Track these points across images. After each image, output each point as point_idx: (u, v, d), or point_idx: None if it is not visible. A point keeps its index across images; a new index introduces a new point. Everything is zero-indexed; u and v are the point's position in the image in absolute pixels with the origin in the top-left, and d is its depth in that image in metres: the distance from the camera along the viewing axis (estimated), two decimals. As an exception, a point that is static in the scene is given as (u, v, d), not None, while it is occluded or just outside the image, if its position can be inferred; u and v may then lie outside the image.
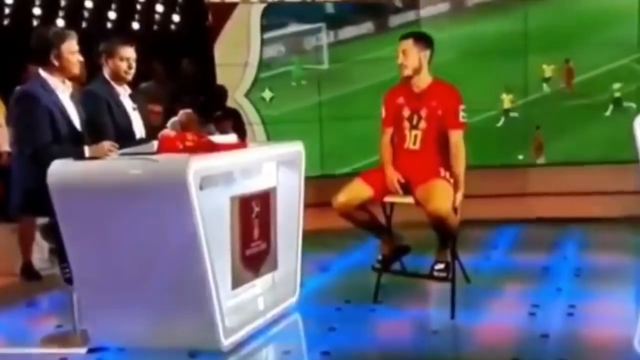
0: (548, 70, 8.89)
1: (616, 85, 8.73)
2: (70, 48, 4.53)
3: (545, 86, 8.95)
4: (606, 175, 8.18)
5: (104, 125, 4.78)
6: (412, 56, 4.94)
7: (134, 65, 4.97)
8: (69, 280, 4.35)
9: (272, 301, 4.89)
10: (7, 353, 4.43)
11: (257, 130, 9.02)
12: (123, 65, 4.91)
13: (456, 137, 4.91)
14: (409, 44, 4.97)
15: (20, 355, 4.41)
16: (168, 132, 4.84)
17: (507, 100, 8.98)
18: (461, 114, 4.93)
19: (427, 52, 4.98)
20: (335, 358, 4.16)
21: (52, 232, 4.36)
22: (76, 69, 4.58)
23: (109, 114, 4.84)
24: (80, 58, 4.59)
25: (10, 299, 5.64)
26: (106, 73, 4.95)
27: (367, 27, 9.22)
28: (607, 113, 8.77)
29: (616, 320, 4.60)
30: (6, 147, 6.77)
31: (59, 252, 4.36)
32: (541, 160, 8.90)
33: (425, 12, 9.08)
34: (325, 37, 9.23)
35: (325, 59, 9.26)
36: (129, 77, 4.98)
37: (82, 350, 4.30)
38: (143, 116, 5.12)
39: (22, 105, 4.46)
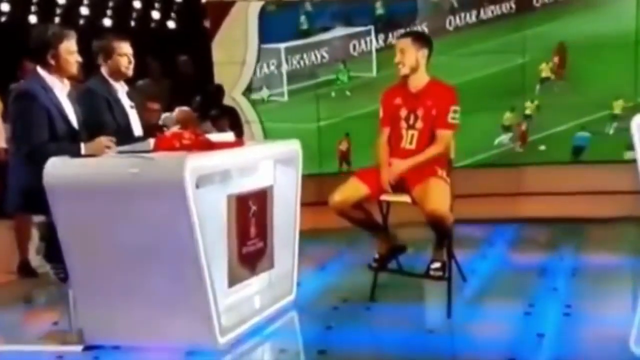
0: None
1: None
2: (69, 48, 4.51)
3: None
4: (603, 174, 8.17)
5: (104, 122, 4.77)
6: (409, 55, 4.95)
7: (132, 60, 4.98)
8: (63, 280, 4.34)
9: (268, 300, 4.89)
10: (3, 350, 4.42)
11: (254, 128, 8.99)
12: (124, 61, 4.92)
13: (442, 135, 4.90)
14: (406, 42, 4.98)
15: (17, 352, 4.40)
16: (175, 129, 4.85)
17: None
18: (451, 114, 4.92)
19: (425, 51, 4.98)
20: (332, 357, 4.16)
21: (48, 230, 4.36)
22: (74, 69, 4.56)
23: (109, 111, 4.84)
24: (79, 59, 4.57)
25: (6, 296, 5.64)
26: (104, 71, 4.94)
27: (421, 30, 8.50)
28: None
29: (612, 320, 4.60)
30: (2, 144, 6.77)
31: (53, 251, 4.35)
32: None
33: (486, 13, 8.63)
34: (374, 42, 8.68)
35: (374, 66, 8.73)
36: (130, 72, 4.99)
37: (78, 348, 4.30)
38: (140, 114, 5.12)
39: (20, 103, 4.45)
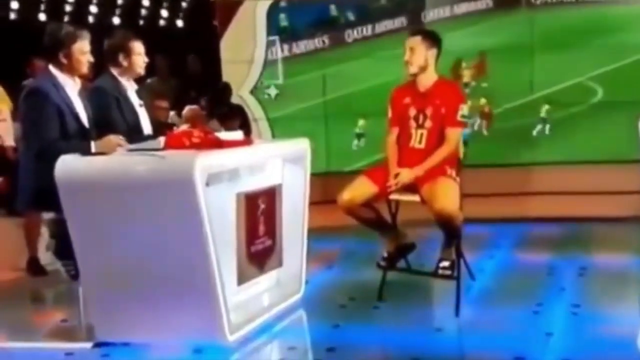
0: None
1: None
2: (82, 49, 4.53)
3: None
4: (611, 174, 8.16)
5: (113, 120, 4.78)
6: (418, 54, 4.94)
7: (146, 59, 5.00)
8: (74, 277, 4.36)
9: (277, 297, 4.91)
10: (13, 347, 4.44)
11: (262, 126, 9.01)
12: (140, 61, 4.93)
13: (451, 134, 4.90)
14: (416, 41, 4.97)
15: (26, 349, 4.42)
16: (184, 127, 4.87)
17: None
18: (460, 112, 4.92)
19: (434, 51, 4.98)
20: (340, 355, 4.17)
21: (59, 227, 4.37)
22: (85, 69, 4.59)
23: (118, 110, 4.85)
24: (91, 59, 4.59)
25: (16, 294, 5.67)
26: (115, 70, 4.92)
27: (321, 41, 8.90)
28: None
29: (620, 319, 4.60)
30: (11, 142, 6.79)
31: (63, 248, 4.36)
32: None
33: (381, 27, 8.82)
34: (279, 52, 8.98)
35: (280, 74, 9.01)
36: (143, 71, 5.01)
37: (88, 345, 4.31)
38: (149, 112, 5.13)
39: (31, 101, 4.47)
